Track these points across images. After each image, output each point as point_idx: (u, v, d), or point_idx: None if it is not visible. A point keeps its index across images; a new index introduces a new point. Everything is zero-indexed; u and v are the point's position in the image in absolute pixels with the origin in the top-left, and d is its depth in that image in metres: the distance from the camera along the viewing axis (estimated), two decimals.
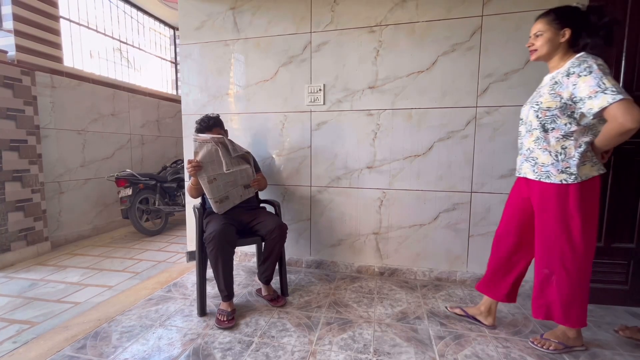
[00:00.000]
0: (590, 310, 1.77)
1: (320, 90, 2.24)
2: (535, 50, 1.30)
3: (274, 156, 2.39)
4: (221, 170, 1.68)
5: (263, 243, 1.87)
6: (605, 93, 1.08)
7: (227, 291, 1.68)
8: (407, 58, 2.09)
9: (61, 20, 3.21)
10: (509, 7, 1.91)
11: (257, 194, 2.08)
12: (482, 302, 1.65)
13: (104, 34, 3.91)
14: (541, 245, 1.36)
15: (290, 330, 1.58)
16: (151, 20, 4.72)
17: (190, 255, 2.56)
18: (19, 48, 2.76)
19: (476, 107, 2.01)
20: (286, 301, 1.88)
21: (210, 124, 1.91)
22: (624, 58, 1.70)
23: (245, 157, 1.82)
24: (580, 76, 1.14)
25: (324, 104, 2.25)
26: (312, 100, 2.26)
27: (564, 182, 1.24)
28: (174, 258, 2.73)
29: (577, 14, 1.23)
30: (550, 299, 1.36)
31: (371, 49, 2.14)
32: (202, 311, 1.73)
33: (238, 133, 2.42)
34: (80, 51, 3.58)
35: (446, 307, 1.74)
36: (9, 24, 2.72)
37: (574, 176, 1.22)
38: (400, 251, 2.24)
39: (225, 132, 2.00)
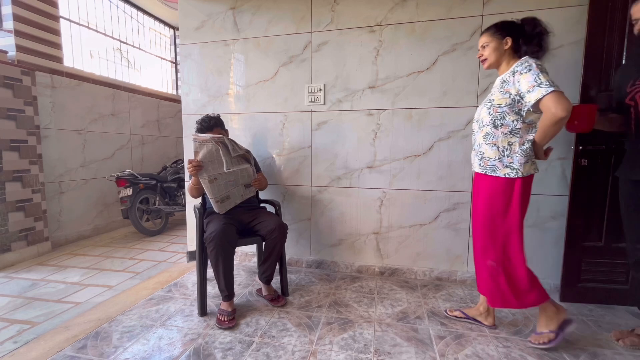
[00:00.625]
0: (590, 310, 1.79)
1: (320, 90, 2.24)
2: (486, 59, 1.44)
3: (274, 156, 2.40)
4: (222, 170, 1.68)
5: (263, 243, 1.87)
6: (540, 87, 1.21)
7: (227, 291, 1.68)
8: (407, 58, 2.09)
9: (61, 20, 3.21)
10: (509, 6, 1.91)
11: (257, 193, 2.08)
12: (480, 302, 1.65)
13: (104, 34, 3.91)
14: (483, 237, 1.46)
15: (291, 330, 1.58)
16: (151, 20, 4.71)
17: (191, 255, 2.57)
18: (19, 48, 2.76)
19: (476, 106, 2.01)
20: (287, 301, 1.88)
21: (211, 124, 1.90)
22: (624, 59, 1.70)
23: (246, 156, 1.82)
24: (522, 73, 1.28)
25: (324, 103, 2.25)
26: (312, 100, 2.26)
27: (507, 176, 1.35)
28: (174, 258, 2.73)
29: (514, 26, 1.39)
30: (503, 288, 1.44)
31: (371, 49, 2.14)
32: (203, 311, 1.73)
33: (238, 133, 2.42)
34: (80, 51, 3.58)
35: (445, 311, 1.74)
36: (9, 24, 2.72)
37: (515, 171, 1.34)
38: (401, 251, 2.24)
39: (226, 132, 2.00)
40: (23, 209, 2.68)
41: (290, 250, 2.42)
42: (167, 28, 5.04)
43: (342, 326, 1.62)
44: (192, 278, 2.22)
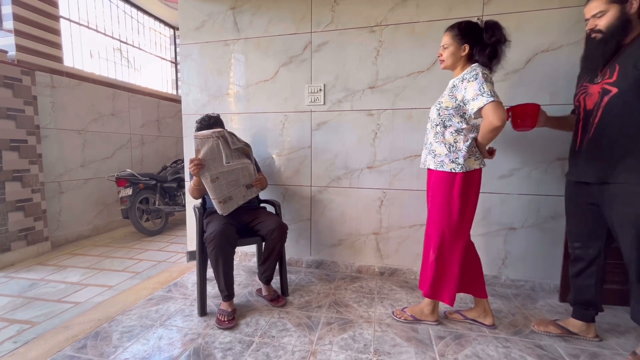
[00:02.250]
0: None
1: (320, 90, 2.24)
2: (443, 60, 1.51)
3: (274, 156, 2.40)
4: (222, 164, 1.67)
5: (263, 243, 1.87)
6: (483, 96, 1.30)
7: (227, 291, 1.68)
8: (407, 58, 2.09)
9: (61, 20, 3.21)
10: (509, 7, 1.91)
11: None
12: (474, 303, 1.66)
13: (104, 34, 3.91)
14: (429, 227, 1.58)
15: (291, 330, 1.58)
16: (151, 20, 4.71)
17: (191, 255, 2.57)
18: (19, 48, 2.76)
19: None
20: (286, 301, 1.88)
21: (211, 123, 1.90)
22: None
23: (245, 150, 1.81)
24: (469, 81, 1.36)
25: (324, 104, 2.25)
26: (313, 100, 2.26)
27: (452, 170, 1.44)
28: (174, 258, 2.73)
29: (475, 31, 1.42)
30: (426, 275, 1.59)
31: (371, 49, 2.14)
32: (203, 311, 1.73)
33: (238, 133, 2.42)
34: (80, 51, 3.58)
35: (444, 313, 1.73)
36: (9, 23, 2.72)
37: (460, 166, 1.42)
38: (401, 251, 2.24)
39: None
40: (23, 208, 2.68)
41: (290, 250, 2.42)
42: (167, 28, 5.04)
43: (342, 326, 1.62)
44: (192, 278, 2.22)
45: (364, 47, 2.15)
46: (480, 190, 1.51)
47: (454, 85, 1.44)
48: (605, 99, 1.28)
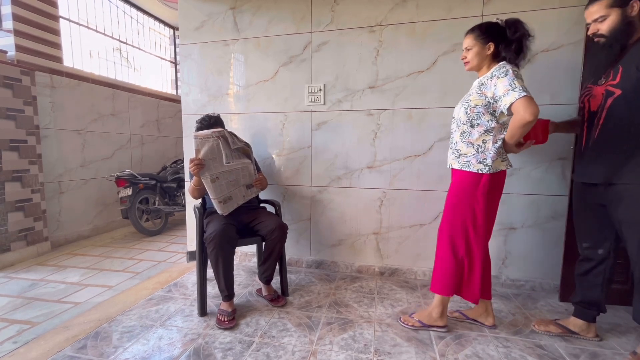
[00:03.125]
0: None
1: (320, 90, 2.24)
2: (468, 62, 1.49)
3: (274, 156, 2.39)
4: (222, 164, 1.67)
5: (263, 243, 1.87)
6: (514, 91, 1.28)
7: (227, 291, 1.68)
8: (407, 58, 2.09)
9: (61, 20, 3.21)
10: (509, 7, 1.91)
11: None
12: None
13: (104, 34, 3.91)
14: (448, 227, 1.53)
15: (291, 330, 1.58)
16: (151, 20, 4.71)
17: (191, 255, 2.56)
18: (18, 48, 2.76)
19: None
20: (287, 301, 1.88)
21: (211, 123, 1.90)
22: None
23: (246, 150, 1.81)
24: (499, 78, 1.34)
25: (324, 103, 2.25)
26: (312, 100, 2.26)
27: (479, 171, 1.41)
28: (174, 258, 2.73)
29: (497, 29, 1.42)
30: (445, 274, 1.53)
31: (371, 49, 2.14)
32: (203, 311, 1.73)
33: (238, 133, 2.41)
34: (80, 51, 3.58)
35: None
36: (8, 23, 2.72)
37: (487, 167, 1.40)
38: (401, 251, 2.24)
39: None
40: (22, 209, 2.67)
41: (290, 250, 2.42)
42: (166, 28, 5.04)
43: (342, 326, 1.62)
44: (192, 278, 2.22)
45: (364, 47, 2.15)
46: None
47: (482, 83, 1.41)
48: (609, 100, 1.28)
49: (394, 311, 1.78)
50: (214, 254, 1.61)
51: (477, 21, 1.97)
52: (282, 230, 1.79)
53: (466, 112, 1.45)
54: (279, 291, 1.94)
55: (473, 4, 1.96)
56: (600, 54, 1.32)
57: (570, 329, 1.52)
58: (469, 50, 1.46)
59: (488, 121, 1.40)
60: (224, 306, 1.69)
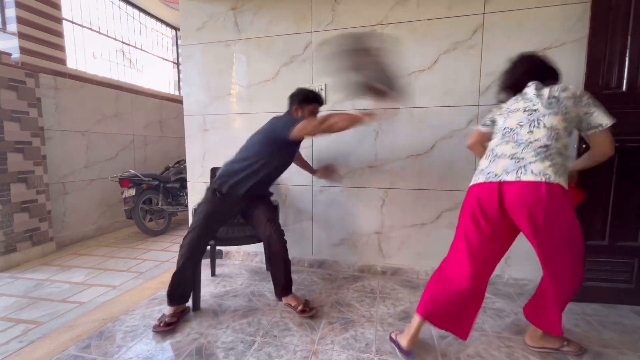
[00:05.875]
0: (595, 309, 1.77)
1: (321, 89, 2.24)
2: None
3: None
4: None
5: (263, 244, 1.85)
6: (606, 115, 1.21)
7: (180, 296, 1.68)
8: (408, 57, 2.08)
9: (64, 22, 3.24)
10: (511, 4, 1.89)
11: (269, 182, 1.90)
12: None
13: (107, 36, 3.94)
14: (551, 255, 1.29)
15: (293, 330, 1.59)
16: (153, 21, 4.74)
17: None
18: (22, 50, 2.78)
19: (478, 105, 2.00)
20: (317, 310, 1.74)
21: (311, 97, 1.87)
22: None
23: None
24: (589, 99, 1.25)
25: (325, 103, 2.25)
26: None
27: (562, 184, 1.20)
28: (177, 258, 2.74)
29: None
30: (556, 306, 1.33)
31: None
32: (196, 305, 1.75)
33: (240, 133, 2.42)
34: (83, 53, 3.60)
35: None
36: (12, 26, 2.75)
37: (562, 179, 1.20)
38: (403, 250, 2.24)
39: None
40: (28, 209, 2.70)
41: (292, 250, 2.40)
42: (168, 28, 5.06)
43: (344, 326, 1.62)
44: None
45: None
46: None
47: (559, 98, 1.25)
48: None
49: (395, 310, 1.78)
50: (184, 259, 1.69)
51: (479, 19, 1.95)
52: (280, 242, 1.71)
53: (564, 119, 1.27)
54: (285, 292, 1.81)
55: (474, 2, 1.95)
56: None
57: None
58: None
59: (570, 134, 1.30)
60: (170, 311, 1.63)
